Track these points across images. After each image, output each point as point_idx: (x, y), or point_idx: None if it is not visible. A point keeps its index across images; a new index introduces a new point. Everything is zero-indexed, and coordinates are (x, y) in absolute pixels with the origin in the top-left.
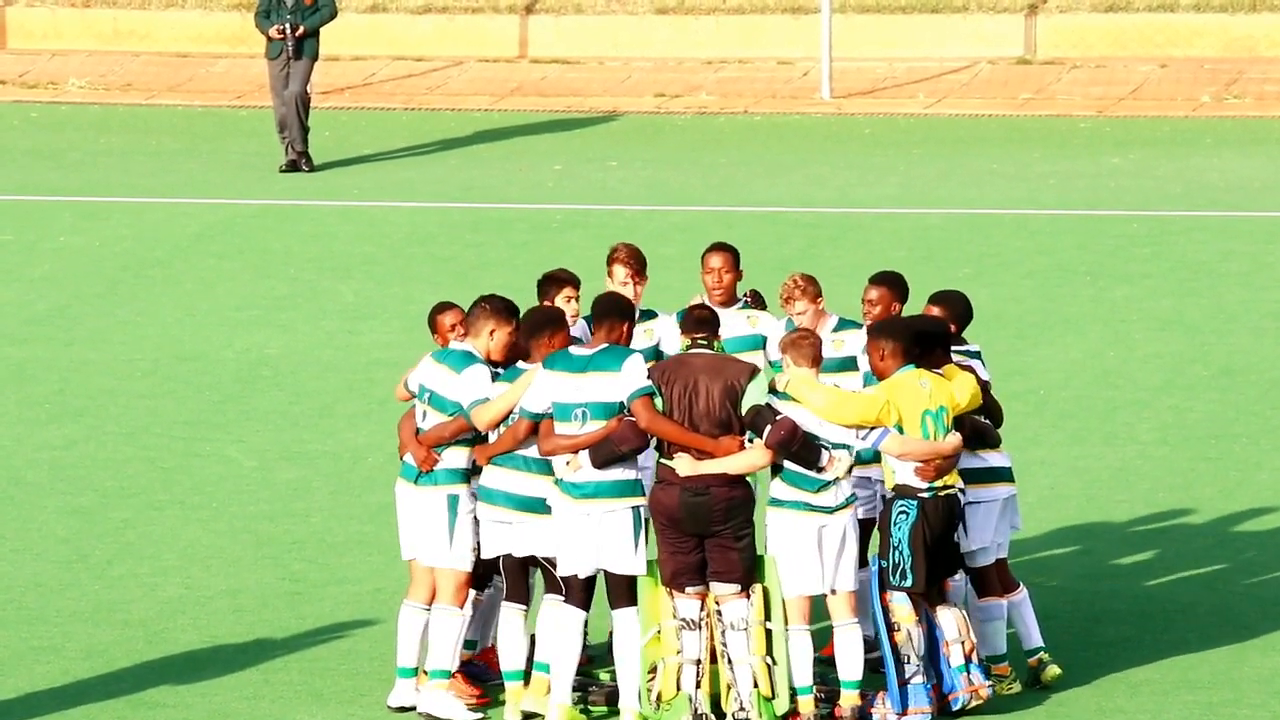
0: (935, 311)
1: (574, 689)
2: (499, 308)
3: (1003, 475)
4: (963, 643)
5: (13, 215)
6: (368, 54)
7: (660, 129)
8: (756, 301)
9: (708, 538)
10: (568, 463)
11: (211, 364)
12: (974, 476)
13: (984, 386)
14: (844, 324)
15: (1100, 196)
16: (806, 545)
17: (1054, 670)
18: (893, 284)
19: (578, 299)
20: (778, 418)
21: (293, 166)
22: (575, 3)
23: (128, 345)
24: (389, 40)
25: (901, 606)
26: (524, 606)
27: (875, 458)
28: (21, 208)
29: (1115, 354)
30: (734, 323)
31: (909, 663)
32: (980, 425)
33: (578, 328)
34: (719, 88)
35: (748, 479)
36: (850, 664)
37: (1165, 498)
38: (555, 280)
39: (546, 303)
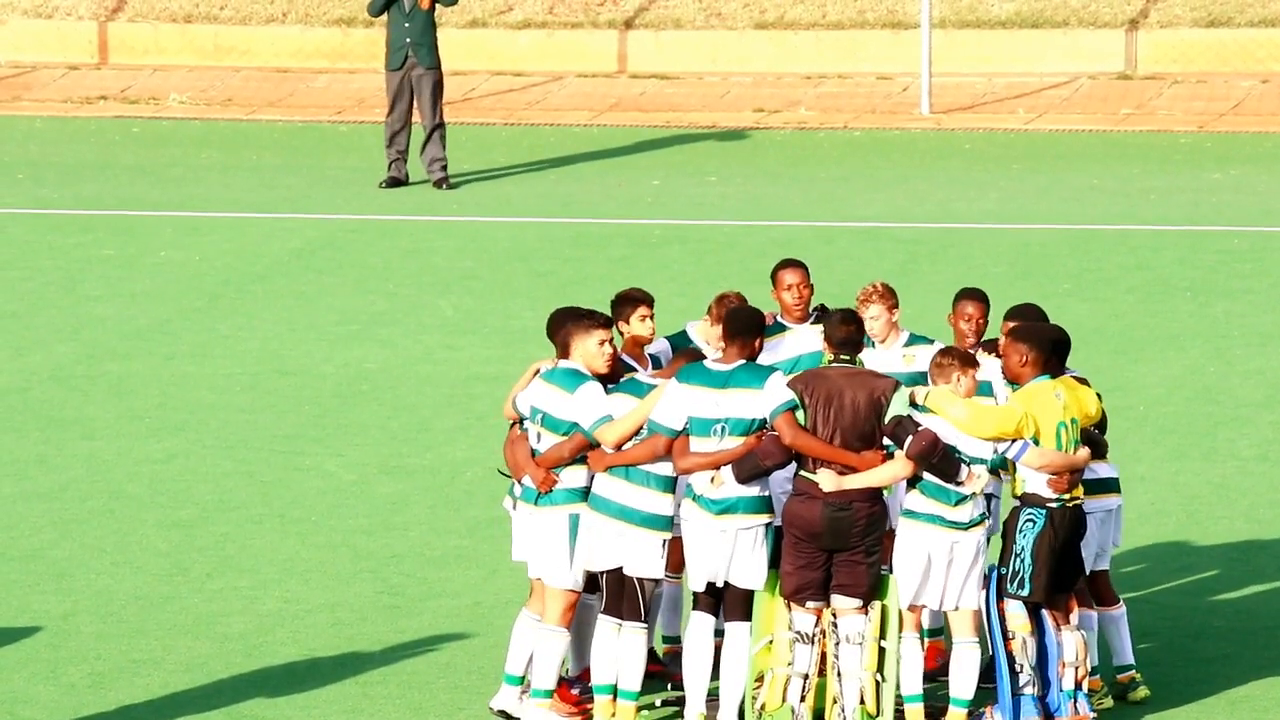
0: (1013, 325)
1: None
2: (579, 318)
3: (1111, 486)
4: (1077, 668)
5: (114, 230)
6: (467, 69)
7: (759, 144)
8: (826, 316)
9: (839, 551)
10: (711, 479)
11: (311, 378)
12: (1084, 487)
13: None
14: (915, 339)
15: (1201, 212)
16: (936, 559)
17: (1143, 691)
18: (983, 299)
19: (653, 317)
20: (919, 429)
21: (394, 182)
22: (674, 18)
23: (228, 360)
24: (488, 55)
25: (1017, 615)
26: (620, 621)
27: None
28: (123, 222)
29: (1216, 369)
30: (809, 338)
31: (1022, 672)
32: (1093, 435)
33: (657, 345)
34: (818, 103)
35: (883, 494)
36: (964, 682)
37: (1266, 514)
38: (630, 300)
39: (622, 323)
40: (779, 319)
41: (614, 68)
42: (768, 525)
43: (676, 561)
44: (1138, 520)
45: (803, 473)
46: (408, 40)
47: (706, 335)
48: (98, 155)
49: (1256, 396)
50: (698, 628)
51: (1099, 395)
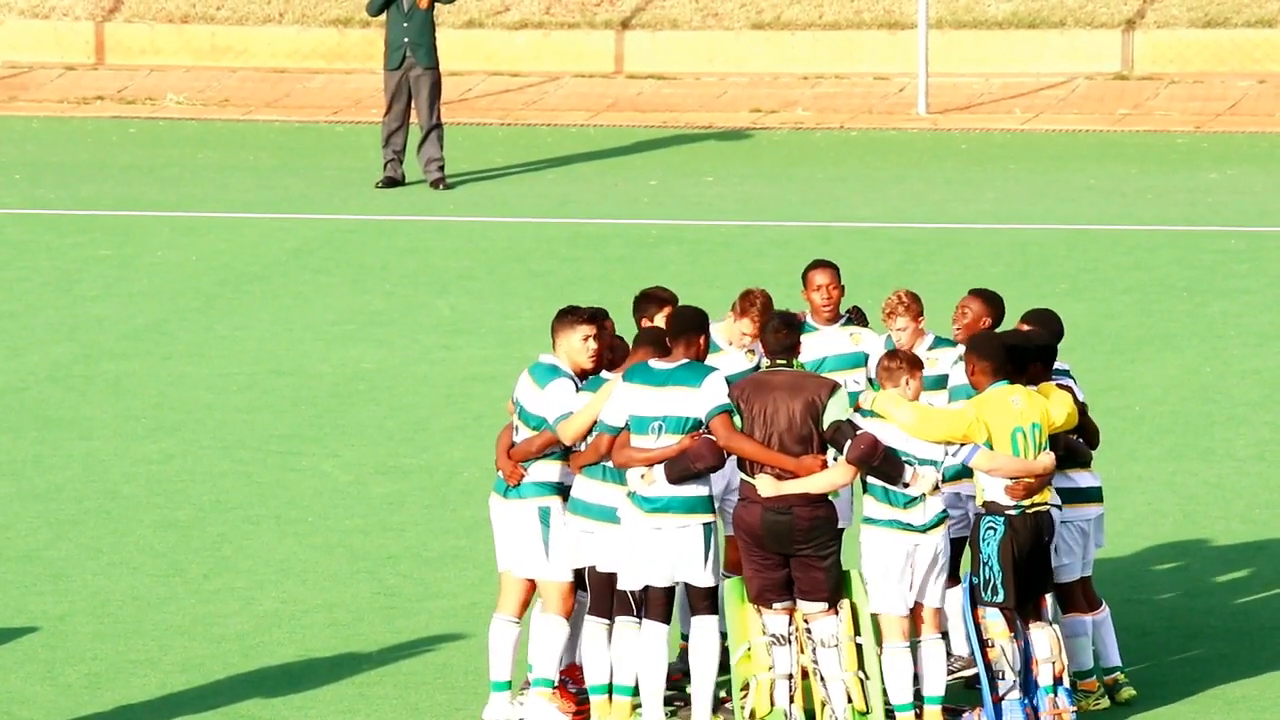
0: (1026, 329)
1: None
2: (567, 318)
3: (1092, 496)
4: (1053, 663)
5: (111, 230)
6: (464, 69)
7: (756, 144)
8: (859, 318)
9: (791, 556)
10: (642, 476)
11: (308, 378)
12: (1062, 497)
13: (1081, 408)
14: (940, 342)
15: (1198, 212)
16: (899, 564)
17: (1129, 691)
18: (989, 301)
19: None
20: (858, 433)
21: (389, 182)
22: (671, 18)
23: (225, 360)
24: (485, 56)
25: (995, 623)
26: (608, 620)
27: (962, 473)
28: (120, 223)
29: (1212, 369)
30: (837, 340)
31: (1003, 679)
32: (1073, 444)
33: None
34: (815, 103)
35: (830, 497)
36: (934, 679)
37: (1262, 514)
38: (654, 299)
39: (645, 321)
40: (809, 320)
41: (611, 68)
42: (706, 525)
43: None
44: (1135, 520)
45: (743, 476)
46: (406, 40)
47: (729, 334)
48: (94, 155)
49: (1253, 396)
50: (652, 636)
51: (1085, 405)
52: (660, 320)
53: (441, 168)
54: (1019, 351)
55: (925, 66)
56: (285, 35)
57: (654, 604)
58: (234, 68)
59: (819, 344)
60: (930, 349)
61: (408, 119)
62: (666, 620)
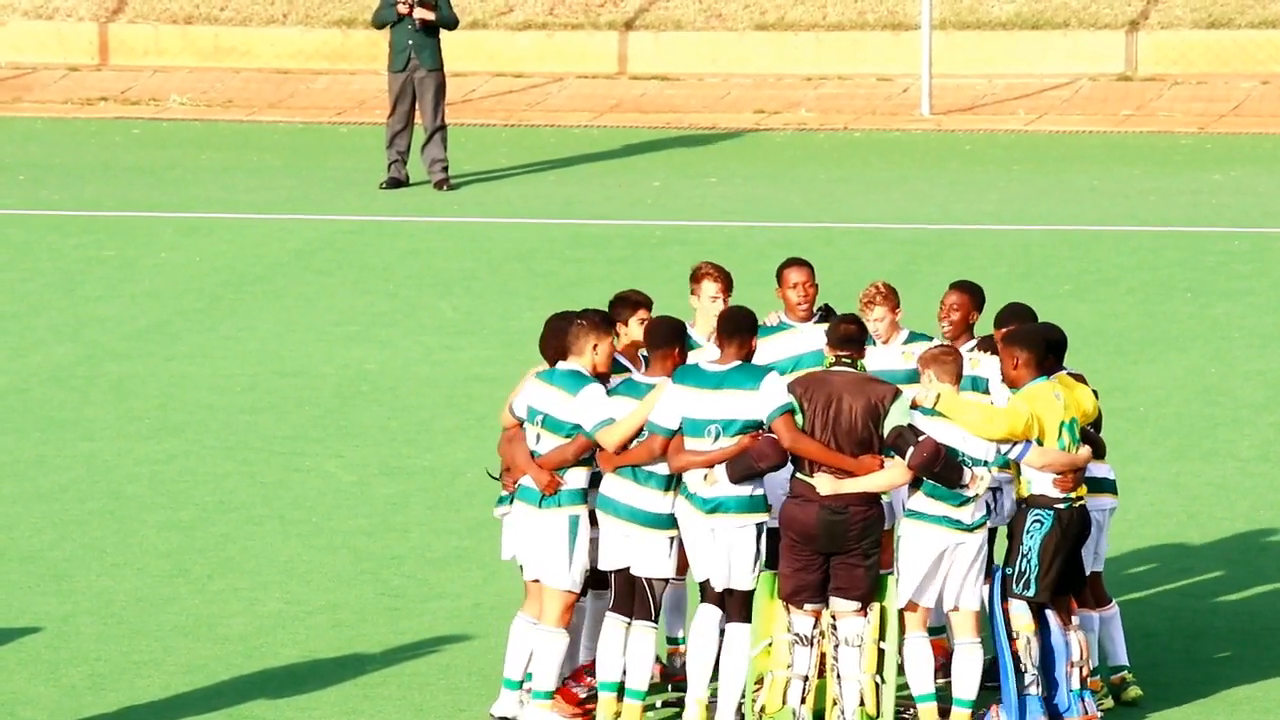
0: (1011, 327)
1: (670, 703)
2: (597, 321)
3: (1106, 487)
4: (1081, 667)
5: (115, 231)
6: (467, 70)
7: (759, 145)
8: (830, 315)
9: (836, 554)
10: (705, 477)
11: (311, 379)
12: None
13: (1093, 393)
14: (914, 337)
15: (1202, 213)
16: (939, 559)
17: (1135, 690)
18: (974, 292)
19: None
20: (920, 439)
21: (394, 183)
22: (675, 19)
23: (228, 360)
24: (488, 56)
25: (1022, 615)
26: (628, 620)
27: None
28: (124, 223)
29: (1216, 370)
30: (813, 337)
31: (1026, 672)
32: (1091, 434)
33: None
34: (819, 104)
35: (881, 497)
36: (967, 683)
37: (1266, 515)
38: (629, 303)
39: (621, 325)
40: (783, 318)
41: (614, 69)
42: (760, 525)
43: (681, 563)
44: (1138, 521)
45: (799, 475)
46: (410, 42)
47: (703, 324)
48: (98, 156)
49: (1257, 398)
50: (704, 619)
51: (1095, 393)
52: (634, 323)
53: (445, 169)
54: (1053, 345)
55: (929, 67)
56: (289, 36)
57: (733, 605)
58: (237, 69)
59: (796, 341)
60: (905, 343)
61: (412, 120)
62: (748, 620)
